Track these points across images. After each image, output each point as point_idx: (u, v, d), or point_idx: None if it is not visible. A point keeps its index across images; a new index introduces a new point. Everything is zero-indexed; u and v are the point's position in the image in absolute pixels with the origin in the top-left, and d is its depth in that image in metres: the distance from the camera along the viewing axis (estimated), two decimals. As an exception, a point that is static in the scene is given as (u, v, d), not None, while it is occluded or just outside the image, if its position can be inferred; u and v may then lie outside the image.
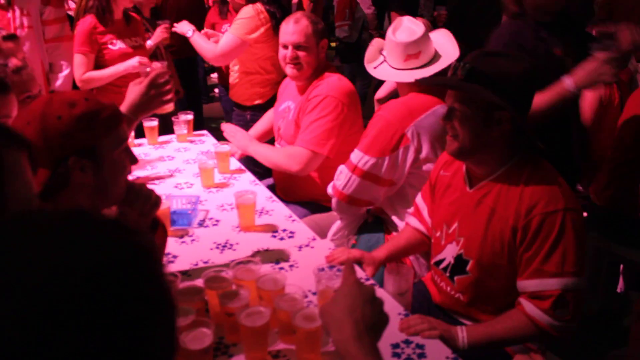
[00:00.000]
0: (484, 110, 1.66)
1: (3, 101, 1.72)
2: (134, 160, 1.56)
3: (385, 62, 2.41)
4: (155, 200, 1.60)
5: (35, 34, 3.34)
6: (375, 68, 2.44)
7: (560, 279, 1.61)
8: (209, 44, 3.37)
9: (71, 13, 4.52)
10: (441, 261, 1.87)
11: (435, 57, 2.35)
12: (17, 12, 3.26)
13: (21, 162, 0.96)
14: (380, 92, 3.94)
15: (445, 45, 2.39)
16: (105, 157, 1.46)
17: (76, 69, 3.29)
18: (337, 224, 2.44)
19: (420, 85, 2.26)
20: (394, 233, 2.37)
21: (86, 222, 0.61)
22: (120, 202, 1.56)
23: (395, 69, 2.36)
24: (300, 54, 2.58)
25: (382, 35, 6.74)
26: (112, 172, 1.48)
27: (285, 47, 2.61)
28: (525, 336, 1.67)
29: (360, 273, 1.87)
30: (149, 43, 3.77)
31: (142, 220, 1.59)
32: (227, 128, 2.82)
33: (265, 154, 2.69)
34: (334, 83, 2.57)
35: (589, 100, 2.95)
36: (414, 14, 4.63)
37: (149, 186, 1.88)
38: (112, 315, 0.54)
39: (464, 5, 4.54)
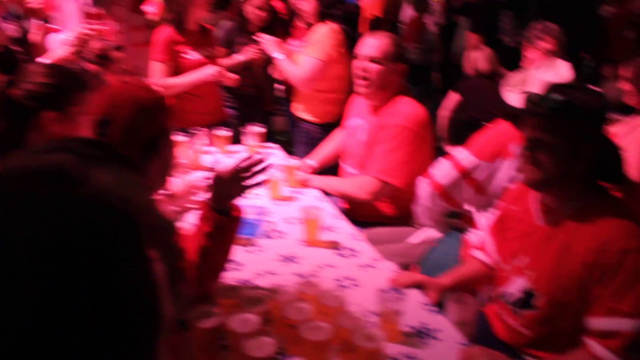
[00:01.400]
0: (572, 142, 1.65)
1: (85, 98, 1.83)
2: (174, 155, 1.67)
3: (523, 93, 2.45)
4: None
5: (126, 40, 3.51)
6: (509, 91, 2.49)
7: (635, 321, 1.56)
8: (294, 68, 3.34)
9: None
10: (507, 294, 1.84)
11: None
12: (111, 19, 3.45)
13: (122, 183, 0.92)
14: (444, 110, 3.94)
15: None
16: (159, 146, 1.56)
17: (154, 77, 3.40)
18: (421, 230, 2.49)
19: None
20: (471, 234, 2.38)
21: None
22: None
23: None
24: (371, 67, 2.56)
25: (450, 58, 6.75)
26: (162, 161, 1.59)
27: (359, 58, 2.61)
28: (592, 379, 1.62)
29: (422, 298, 1.86)
30: (239, 57, 3.85)
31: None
32: None
33: (332, 185, 2.72)
34: (410, 113, 2.56)
35: None
36: (493, 37, 4.59)
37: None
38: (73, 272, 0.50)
39: None
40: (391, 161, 2.52)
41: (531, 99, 1.76)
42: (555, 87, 1.76)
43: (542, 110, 1.69)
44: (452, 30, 6.86)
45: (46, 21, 3.18)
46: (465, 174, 2.30)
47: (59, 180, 0.79)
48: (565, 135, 1.66)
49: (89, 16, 3.48)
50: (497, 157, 2.26)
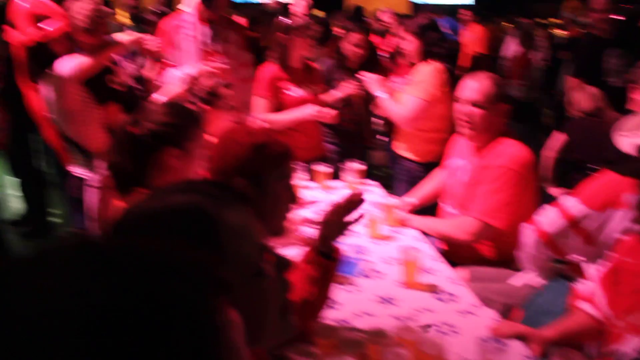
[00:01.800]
0: None
1: (200, 134, 1.93)
2: (293, 199, 1.68)
3: (637, 137, 2.36)
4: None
5: (234, 76, 3.71)
6: (622, 136, 2.40)
7: None
8: (397, 107, 3.35)
9: None
10: (620, 353, 1.73)
11: None
12: (221, 56, 3.66)
13: (247, 222, 0.91)
14: (549, 150, 3.81)
15: None
16: (268, 187, 1.59)
17: (256, 112, 3.53)
18: (524, 273, 2.42)
19: None
20: (579, 284, 2.27)
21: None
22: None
23: None
24: (475, 111, 2.52)
25: (554, 95, 6.50)
26: (272, 203, 1.61)
27: (461, 102, 2.58)
28: None
29: (525, 350, 1.78)
30: (337, 94, 3.92)
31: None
32: None
33: (431, 225, 2.70)
34: (514, 154, 2.50)
35: None
36: (597, 81, 4.38)
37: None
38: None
39: None
40: (494, 202, 2.46)
41: None
42: None
43: None
44: (558, 67, 6.65)
45: (159, 60, 3.40)
46: (574, 223, 2.20)
47: (199, 219, 0.85)
48: None
49: (206, 54, 3.70)
50: (608, 206, 2.15)
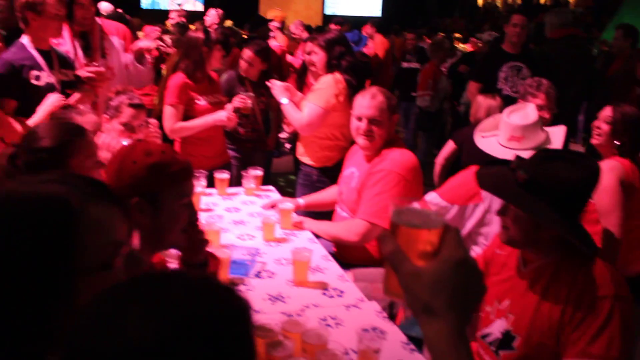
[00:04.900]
0: (535, 217, 1.70)
1: (82, 144, 1.92)
2: (193, 216, 1.70)
3: (496, 137, 2.55)
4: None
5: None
6: (483, 137, 2.58)
7: None
8: (297, 114, 3.43)
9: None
10: (488, 335, 1.88)
11: (542, 146, 2.48)
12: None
13: (108, 218, 0.97)
14: (440, 157, 4.02)
15: (556, 142, 2.52)
16: (164, 205, 1.62)
17: (167, 120, 3.54)
18: None
19: None
20: None
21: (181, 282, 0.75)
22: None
23: (500, 145, 2.54)
24: (374, 127, 2.68)
25: (455, 106, 6.84)
26: (168, 220, 1.64)
27: (360, 119, 2.71)
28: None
29: (403, 337, 1.90)
30: (228, 107, 3.97)
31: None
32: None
33: (323, 228, 2.80)
34: (398, 159, 2.65)
35: (607, 186, 2.72)
36: (493, 86, 4.69)
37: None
38: None
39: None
40: (378, 203, 2.59)
41: (511, 165, 1.80)
42: (531, 159, 1.78)
43: (508, 191, 1.75)
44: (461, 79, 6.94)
45: None
46: None
47: (61, 208, 0.90)
48: (529, 209, 1.70)
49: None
50: (464, 200, 2.33)
